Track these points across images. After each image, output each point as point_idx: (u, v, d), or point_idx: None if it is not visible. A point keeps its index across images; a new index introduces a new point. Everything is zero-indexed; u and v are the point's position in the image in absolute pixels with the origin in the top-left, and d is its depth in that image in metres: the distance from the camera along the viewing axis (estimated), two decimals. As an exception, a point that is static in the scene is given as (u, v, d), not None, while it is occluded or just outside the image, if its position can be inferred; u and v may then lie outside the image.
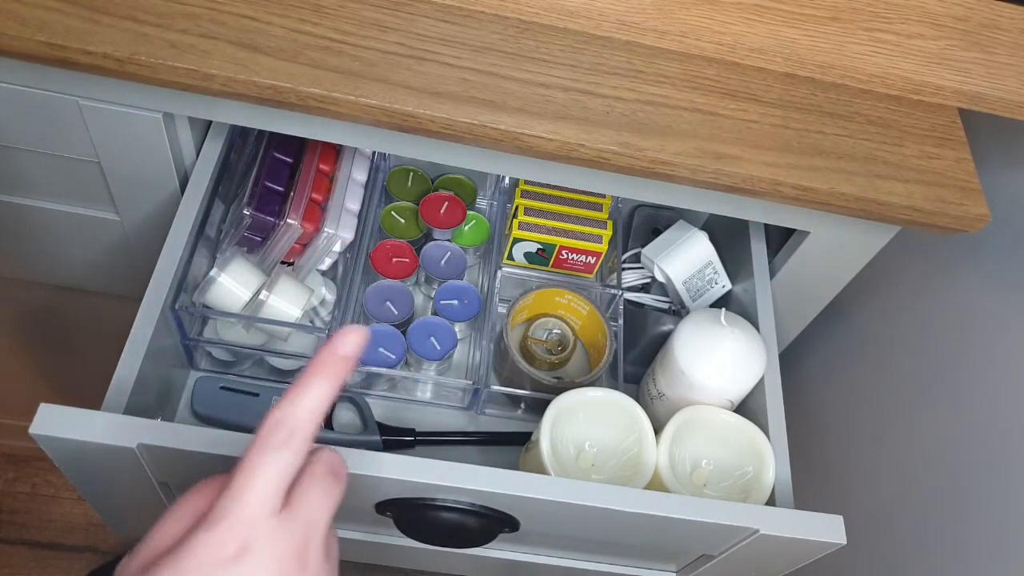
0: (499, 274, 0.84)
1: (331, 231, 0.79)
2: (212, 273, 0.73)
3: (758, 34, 0.71)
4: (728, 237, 0.88)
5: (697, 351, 0.72)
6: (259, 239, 0.78)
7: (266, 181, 0.78)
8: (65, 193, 0.84)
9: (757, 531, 0.61)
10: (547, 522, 0.65)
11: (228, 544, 0.36)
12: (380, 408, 0.81)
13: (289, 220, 0.77)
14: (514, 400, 0.82)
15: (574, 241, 0.86)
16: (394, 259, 0.86)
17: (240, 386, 0.76)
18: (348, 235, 0.80)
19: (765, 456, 0.69)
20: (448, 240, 0.89)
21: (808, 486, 0.89)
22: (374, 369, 0.78)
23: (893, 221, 0.71)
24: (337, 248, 0.81)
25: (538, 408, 0.70)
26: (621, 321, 0.83)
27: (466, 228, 0.91)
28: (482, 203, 0.95)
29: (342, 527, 0.74)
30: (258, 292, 0.74)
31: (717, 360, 0.71)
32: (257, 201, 0.77)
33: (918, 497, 0.81)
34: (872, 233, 0.76)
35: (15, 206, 0.86)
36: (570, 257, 0.88)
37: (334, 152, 0.84)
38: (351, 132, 0.69)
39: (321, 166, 0.82)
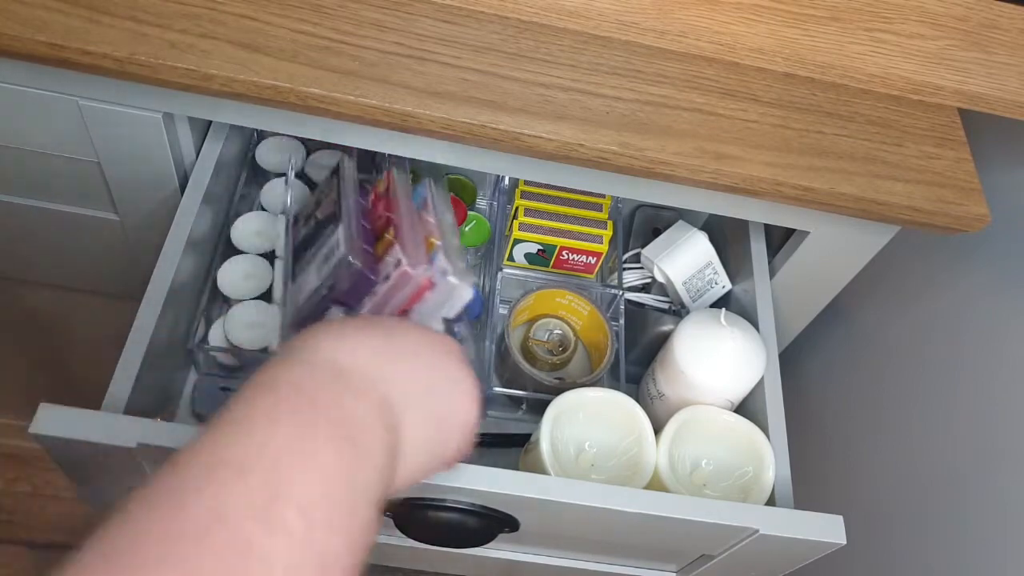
0: (500, 275, 0.84)
1: (453, 280, 0.60)
2: None
3: (758, 34, 0.71)
4: (728, 237, 0.88)
5: (697, 351, 0.72)
6: (353, 302, 0.62)
7: (358, 222, 0.64)
8: (65, 193, 0.84)
9: (757, 531, 0.61)
10: (547, 522, 0.65)
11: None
12: (380, 408, 0.80)
13: (407, 268, 0.59)
14: (515, 401, 0.82)
15: (574, 241, 0.86)
16: (394, 259, 0.86)
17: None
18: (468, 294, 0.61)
19: (765, 456, 0.69)
20: (448, 240, 0.89)
21: (808, 486, 0.89)
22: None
23: (893, 221, 0.71)
24: (462, 302, 0.62)
25: (539, 409, 0.70)
26: (622, 321, 0.83)
27: (467, 229, 0.91)
28: (482, 203, 0.95)
29: (342, 527, 0.74)
30: None
31: (717, 360, 0.71)
32: (355, 250, 0.61)
33: (918, 497, 0.81)
34: (872, 233, 0.76)
35: (15, 206, 0.86)
36: (570, 257, 0.88)
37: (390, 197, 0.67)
38: (351, 132, 0.69)
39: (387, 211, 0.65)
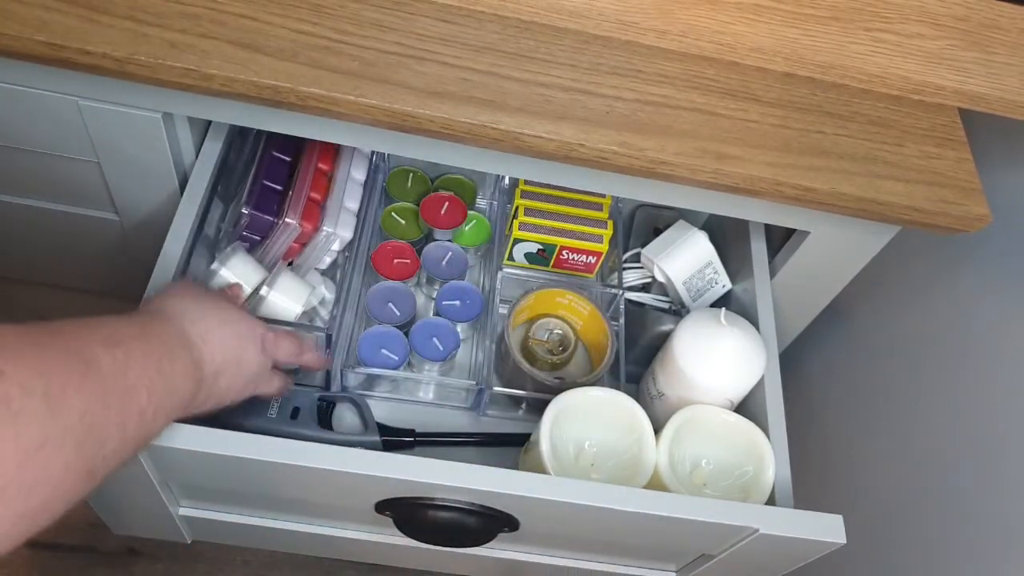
0: (500, 275, 0.84)
1: (330, 230, 0.79)
2: (213, 266, 0.73)
3: (758, 34, 0.71)
4: (728, 237, 0.88)
5: (697, 351, 0.72)
6: (258, 238, 0.78)
7: (265, 180, 0.78)
8: (65, 193, 0.84)
9: (757, 531, 0.61)
10: (547, 522, 0.65)
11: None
12: (383, 409, 0.80)
13: (287, 219, 0.76)
14: (515, 401, 0.81)
15: (575, 241, 0.86)
16: (395, 260, 0.86)
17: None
18: (347, 234, 0.80)
19: (765, 456, 0.69)
20: (449, 240, 0.89)
21: (808, 486, 0.89)
22: (377, 371, 0.78)
23: (893, 221, 0.71)
24: (336, 247, 0.81)
25: (539, 409, 0.70)
26: (622, 321, 0.83)
27: (467, 228, 0.91)
28: (482, 203, 0.95)
29: (343, 527, 0.74)
30: (259, 288, 0.73)
31: (717, 360, 0.71)
32: (256, 200, 0.77)
33: (918, 497, 0.81)
34: (872, 233, 0.76)
35: (15, 206, 0.86)
36: (571, 257, 0.88)
37: (333, 151, 0.84)
38: (351, 132, 0.69)
39: (320, 165, 0.82)
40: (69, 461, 0.40)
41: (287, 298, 0.74)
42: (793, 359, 1.01)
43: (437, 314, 0.84)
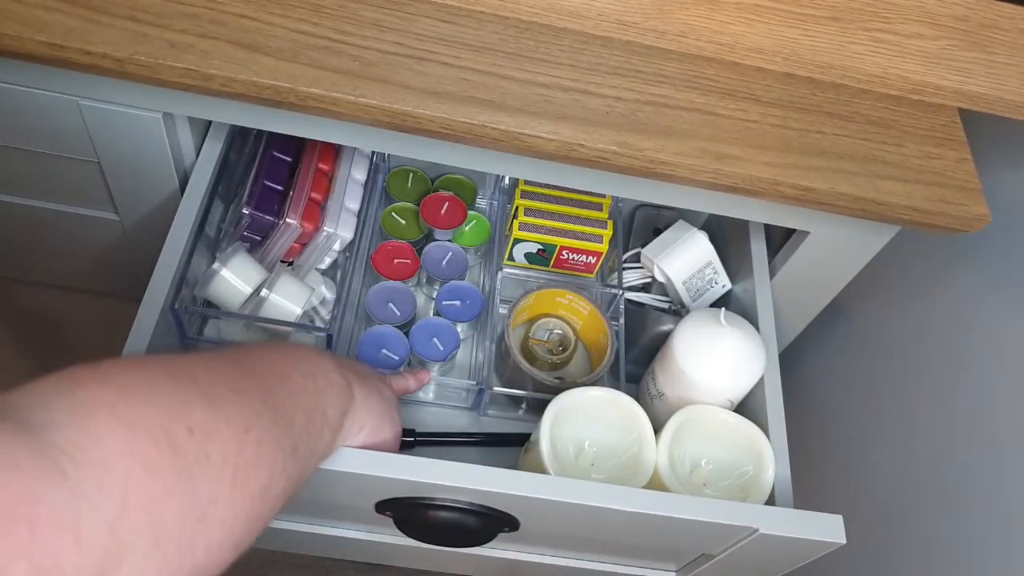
0: (500, 275, 0.84)
1: (330, 230, 0.79)
2: (214, 267, 0.73)
3: (758, 34, 0.71)
4: (728, 237, 0.88)
5: (697, 351, 0.72)
6: (259, 238, 0.78)
7: (265, 180, 0.78)
8: (65, 193, 0.84)
9: (756, 530, 0.61)
10: (547, 522, 0.65)
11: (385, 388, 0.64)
12: (380, 408, 0.80)
13: (288, 220, 0.77)
14: (515, 401, 0.82)
15: (575, 241, 0.86)
16: (395, 260, 0.86)
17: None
18: (348, 234, 0.80)
19: (764, 455, 0.69)
20: (449, 240, 0.89)
21: (808, 486, 0.89)
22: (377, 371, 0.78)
23: (893, 221, 0.71)
24: (337, 247, 0.81)
25: (539, 409, 0.70)
26: (622, 321, 0.83)
27: (467, 228, 0.91)
28: (482, 203, 0.95)
29: (343, 527, 0.74)
30: (259, 289, 0.74)
31: (717, 360, 0.71)
32: (256, 200, 0.77)
33: (918, 497, 0.81)
34: (872, 233, 0.76)
35: (15, 206, 0.86)
36: (571, 257, 0.88)
37: (333, 152, 0.84)
38: (351, 132, 0.69)
39: (320, 165, 0.82)
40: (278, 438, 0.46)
41: (288, 300, 0.74)
42: (793, 359, 1.01)
43: (437, 314, 0.84)
